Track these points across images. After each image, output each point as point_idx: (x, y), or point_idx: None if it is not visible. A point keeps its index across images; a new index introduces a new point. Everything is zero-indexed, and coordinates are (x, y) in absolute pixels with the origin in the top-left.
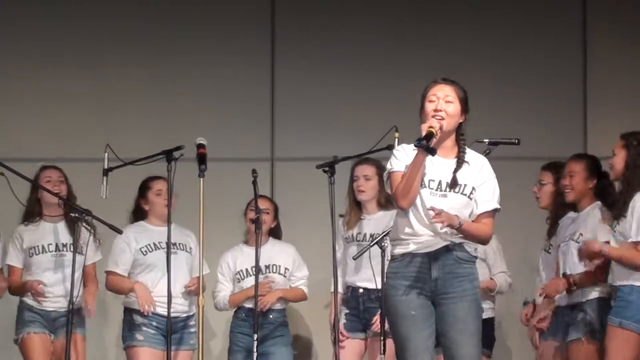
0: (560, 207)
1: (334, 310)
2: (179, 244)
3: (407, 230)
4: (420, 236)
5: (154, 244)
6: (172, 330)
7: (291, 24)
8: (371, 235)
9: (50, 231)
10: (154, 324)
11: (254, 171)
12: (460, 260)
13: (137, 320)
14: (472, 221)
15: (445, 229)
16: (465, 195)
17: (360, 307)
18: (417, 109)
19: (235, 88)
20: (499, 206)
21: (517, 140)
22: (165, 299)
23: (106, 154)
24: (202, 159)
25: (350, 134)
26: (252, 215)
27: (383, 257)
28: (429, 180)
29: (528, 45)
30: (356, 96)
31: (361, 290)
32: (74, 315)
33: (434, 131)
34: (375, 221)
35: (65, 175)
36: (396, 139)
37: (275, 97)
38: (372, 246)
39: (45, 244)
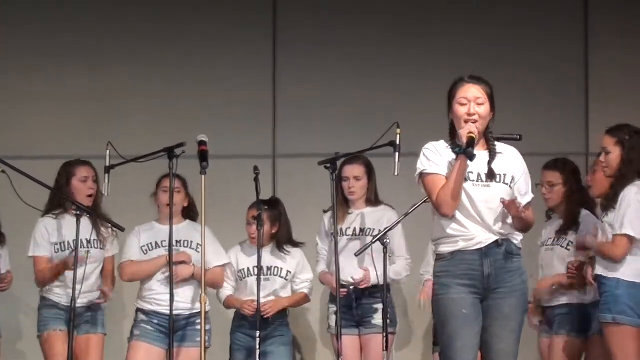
0: (575, 205)
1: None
2: (183, 241)
3: (456, 227)
4: (471, 232)
5: (155, 243)
6: (177, 329)
7: (293, 21)
8: (362, 230)
9: (74, 226)
10: (155, 321)
11: (255, 168)
12: (509, 255)
13: (139, 318)
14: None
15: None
16: (507, 184)
17: (353, 305)
18: (419, 105)
19: (237, 85)
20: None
21: (519, 136)
22: (165, 297)
23: (108, 152)
24: (203, 156)
25: (352, 130)
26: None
27: (385, 253)
28: (468, 173)
29: (530, 43)
30: (358, 93)
31: (353, 288)
32: (91, 311)
33: (474, 136)
34: (364, 216)
35: (96, 171)
36: (398, 136)
37: (277, 94)
38: (374, 243)
39: (70, 240)
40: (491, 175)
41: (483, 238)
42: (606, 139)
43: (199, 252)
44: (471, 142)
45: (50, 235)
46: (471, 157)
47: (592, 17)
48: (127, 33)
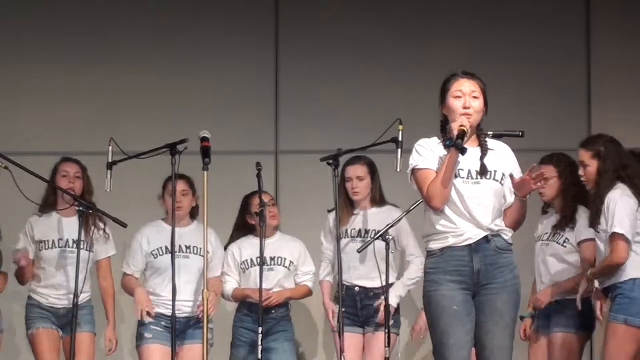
0: (573, 199)
1: (326, 300)
2: (193, 247)
3: (445, 224)
4: (460, 228)
5: (165, 248)
6: (184, 329)
7: (295, 17)
8: (366, 232)
9: (61, 225)
10: (162, 323)
11: (258, 164)
12: (500, 250)
13: (146, 321)
14: (506, 209)
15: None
16: (497, 181)
17: (357, 305)
18: (421, 101)
19: (239, 81)
20: None
21: (521, 133)
22: (179, 301)
23: (110, 148)
24: (206, 152)
25: (355, 126)
26: (256, 209)
27: (387, 249)
28: (459, 170)
29: (532, 40)
30: (360, 89)
31: (357, 289)
32: (82, 312)
33: (465, 129)
34: (368, 217)
35: (84, 168)
36: (400, 132)
37: (279, 90)
38: (375, 239)
39: (55, 238)
40: (482, 172)
41: (472, 234)
42: (582, 153)
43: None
44: (462, 135)
45: (35, 233)
46: (462, 149)
47: (594, 13)
48: (128, 28)
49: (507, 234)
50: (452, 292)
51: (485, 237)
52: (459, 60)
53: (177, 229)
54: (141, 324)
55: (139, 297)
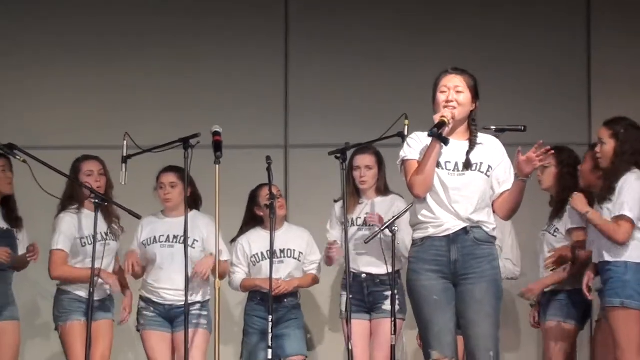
0: (566, 189)
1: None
2: (180, 237)
3: (426, 214)
4: (439, 219)
5: (153, 238)
6: (173, 316)
7: (305, 13)
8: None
9: (92, 221)
10: (152, 308)
11: (268, 158)
12: (478, 241)
13: (140, 305)
14: (494, 200)
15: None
16: (483, 172)
17: (364, 292)
18: (427, 97)
19: (249, 77)
20: None
21: (523, 127)
22: (163, 289)
23: (125, 142)
24: (217, 146)
25: (362, 121)
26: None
27: (394, 241)
28: (445, 162)
29: (534, 36)
30: (368, 84)
31: (364, 276)
32: (104, 301)
33: (446, 120)
34: (373, 206)
35: (104, 164)
36: (406, 127)
37: (289, 85)
38: (382, 230)
39: (92, 234)
40: (467, 165)
41: (451, 225)
42: (602, 130)
43: (194, 248)
44: (440, 125)
45: (77, 230)
46: (443, 139)
47: (595, 9)
48: (141, 27)
49: (489, 226)
50: (431, 282)
51: (464, 228)
52: (463, 58)
53: (169, 220)
54: (138, 308)
55: (129, 253)
